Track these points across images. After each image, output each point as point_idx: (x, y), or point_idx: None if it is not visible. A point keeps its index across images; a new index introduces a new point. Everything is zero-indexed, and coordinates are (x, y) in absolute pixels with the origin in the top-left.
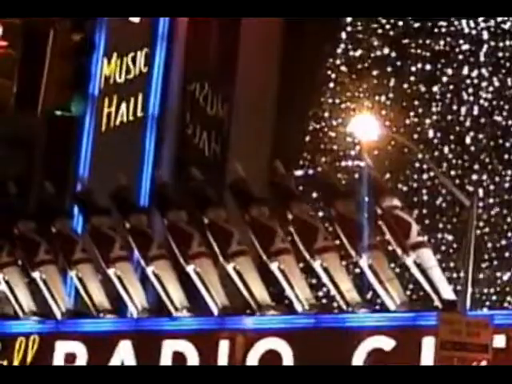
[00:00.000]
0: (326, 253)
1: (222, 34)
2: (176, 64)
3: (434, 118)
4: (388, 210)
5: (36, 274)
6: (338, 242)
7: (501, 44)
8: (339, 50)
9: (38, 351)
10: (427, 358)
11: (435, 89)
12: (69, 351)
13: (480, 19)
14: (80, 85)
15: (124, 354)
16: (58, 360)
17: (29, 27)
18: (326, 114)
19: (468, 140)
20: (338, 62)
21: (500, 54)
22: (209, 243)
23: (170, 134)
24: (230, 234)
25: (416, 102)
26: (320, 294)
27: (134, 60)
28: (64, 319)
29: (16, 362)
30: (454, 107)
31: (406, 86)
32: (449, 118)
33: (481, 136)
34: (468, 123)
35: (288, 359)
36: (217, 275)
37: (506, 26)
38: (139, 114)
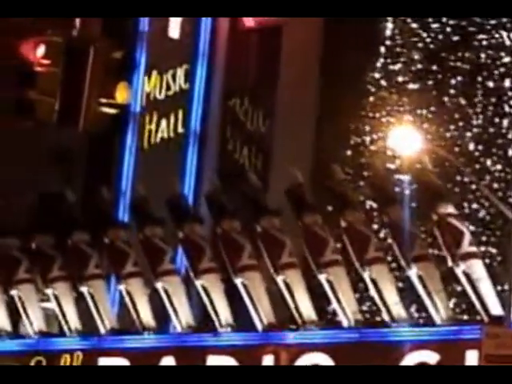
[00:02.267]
0: (377, 264)
1: (262, 49)
2: (216, 80)
3: (476, 130)
4: (443, 216)
5: (84, 289)
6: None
7: None
8: (378, 64)
9: None
10: None
11: (476, 101)
12: None
13: None
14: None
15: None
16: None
17: (70, 45)
18: (367, 128)
19: (511, 152)
20: (377, 75)
21: None
22: (259, 254)
23: (211, 149)
24: (282, 244)
25: (457, 115)
26: (364, 308)
27: (174, 77)
28: (107, 335)
29: None
30: (496, 120)
31: (446, 99)
32: (490, 130)
33: None
34: (510, 135)
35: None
36: (265, 290)
37: None
38: (180, 130)
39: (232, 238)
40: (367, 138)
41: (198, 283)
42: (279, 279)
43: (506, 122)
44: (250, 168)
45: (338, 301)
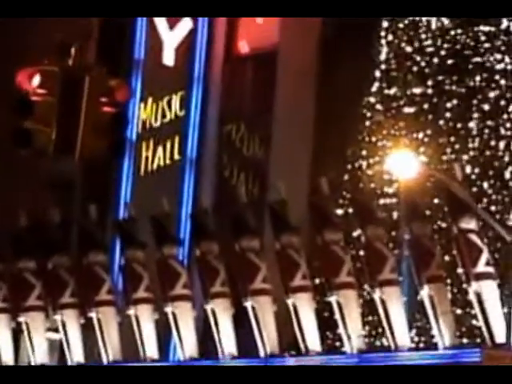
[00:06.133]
0: (390, 286)
1: (257, 74)
2: (212, 106)
3: (472, 153)
4: (464, 232)
5: (93, 315)
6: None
7: None
8: (374, 89)
9: None
10: None
11: (472, 125)
12: None
13: None
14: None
15: None
16: None
17: (65, 74)
18: (364, 153)
19: (507, 175)
20: (372, 100)
21: None
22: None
23: (208, 176)
24: (297, 266)
25: (453, 138)
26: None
27: (169, 104)
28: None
29: None
30: (492, 142)
31: (442, 122)
32: (487, 153)
33: None
34: (507, 158)
35: None
36: (273, 315)
37: None
38: (176, 157)
39: (248, 259)
40: (364, 163)
41: (208, 307)
42: (289, 302)
43: (502, 145)
44: (246, 195)
45: (345, 325)
